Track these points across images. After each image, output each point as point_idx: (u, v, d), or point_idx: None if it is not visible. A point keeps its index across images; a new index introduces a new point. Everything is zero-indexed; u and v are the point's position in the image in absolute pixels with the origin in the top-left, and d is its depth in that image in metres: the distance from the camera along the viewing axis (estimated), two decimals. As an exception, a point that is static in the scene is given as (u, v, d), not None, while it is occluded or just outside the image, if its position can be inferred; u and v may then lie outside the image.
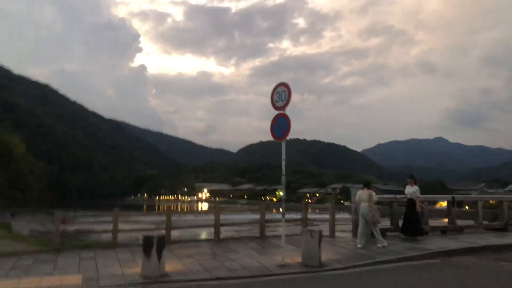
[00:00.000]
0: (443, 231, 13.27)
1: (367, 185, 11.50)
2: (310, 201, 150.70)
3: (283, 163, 9.03)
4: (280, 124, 9.14)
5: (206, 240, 12.00)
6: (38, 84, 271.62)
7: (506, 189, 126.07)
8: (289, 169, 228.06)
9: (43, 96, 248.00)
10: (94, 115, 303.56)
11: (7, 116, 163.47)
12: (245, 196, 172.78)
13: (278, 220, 13.29)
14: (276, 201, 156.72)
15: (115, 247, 10.69)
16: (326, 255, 9.10)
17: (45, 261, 9.12)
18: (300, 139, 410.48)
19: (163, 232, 10.45)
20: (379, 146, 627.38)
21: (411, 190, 11.98)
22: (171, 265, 8.40)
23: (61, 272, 8.07)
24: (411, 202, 11.87)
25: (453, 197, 13.90)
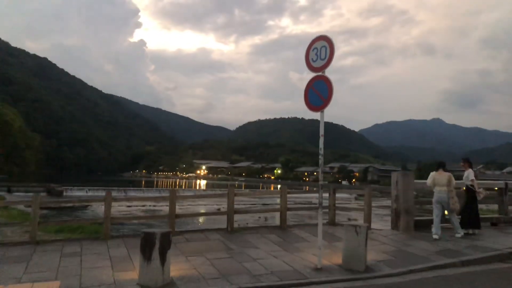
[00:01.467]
0: (494, 223, 11.37)
1: (442, 166, 9.74)
2: (308, 179, 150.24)
3: (321, 139, 7.03)
4: (318, 90, 7.10)
5: (217, 230, 9.97)
6: (36, 58, 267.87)
7: (504, 171, 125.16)
8: (287, 148, 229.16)
9: (41, 70, 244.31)
10: (93, 90, 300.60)
11: (4, 89, 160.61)
12: (243, 174, 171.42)
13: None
14: (273, 179, 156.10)
15: (107, 239, 8.79)
16: (369, 254, 7.20)
17: (17, 259, 7.18)
18: (298, 118, 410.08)
19: (168, 230, 8.58)
20: (376, 126, 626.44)
21: (465, 175, 10.11)
22: (177, 267, 6.51)
23: (33, 276, 6.14)
24: (468, 190, 9.97)
25: (506, 183, 11.99)
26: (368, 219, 10.14)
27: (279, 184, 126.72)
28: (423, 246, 8.48)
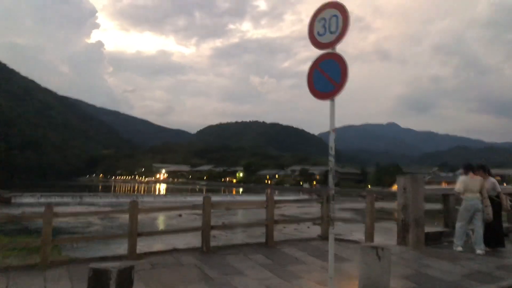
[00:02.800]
0: (505, 233, 10.28)
1: (472, 169, 8.50)
2: (270, 182, 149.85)
3: (332, 136, 5.49)
4: (327, 72, 5.45)
5: (189, 251, 8.10)
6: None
7: (456, 173, 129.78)
8: (249, 152, 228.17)
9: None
10: (46, 92, 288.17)
11: None
12: (205, 178, 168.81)
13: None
14: (235, 182, 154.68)
15: (45, 269, 6.60)
16: (386, 281, 5.72)
17: None
18: (260, 122, 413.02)
19: (129, 262, 6.76)
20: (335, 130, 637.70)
21: (487, 185, 8.69)
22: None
23: None
24: (492, 202, 8.61)
25: (515, 189, 11.01)
26: (370, 234, 8.63)
27: (241, 187, 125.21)
28: (445, 267, 7.13)
